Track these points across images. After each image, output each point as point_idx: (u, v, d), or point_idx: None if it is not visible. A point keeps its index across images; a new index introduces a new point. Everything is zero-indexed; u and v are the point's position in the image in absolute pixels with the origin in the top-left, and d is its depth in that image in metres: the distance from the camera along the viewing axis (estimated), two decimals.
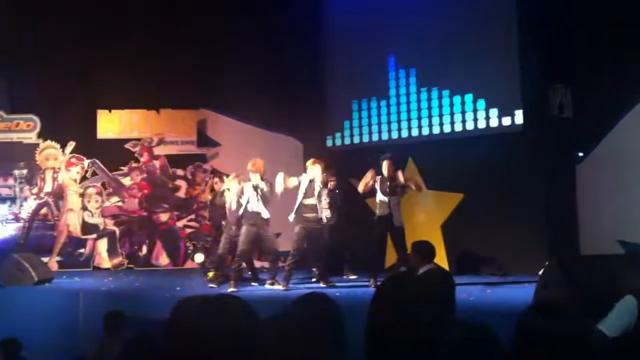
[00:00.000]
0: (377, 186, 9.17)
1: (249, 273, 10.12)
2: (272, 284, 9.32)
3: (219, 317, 1.72)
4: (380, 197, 9.17)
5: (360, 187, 9.35)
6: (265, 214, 9.27)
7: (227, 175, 10.61)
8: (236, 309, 2.12)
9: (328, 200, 9.53)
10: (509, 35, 10.13)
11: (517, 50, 10.03)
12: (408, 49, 11.45)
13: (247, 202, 9.28)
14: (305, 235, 9.23)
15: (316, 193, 9.21)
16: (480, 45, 10.46)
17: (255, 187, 9.27)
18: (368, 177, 9.23)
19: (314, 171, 9.25)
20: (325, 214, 9.30)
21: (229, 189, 10.07)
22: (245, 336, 1.80)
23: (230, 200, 9.84)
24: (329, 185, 10.00)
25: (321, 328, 2.33)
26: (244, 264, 9.88)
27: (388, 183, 9.12)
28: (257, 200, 9.25)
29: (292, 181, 9.29)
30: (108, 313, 6.79)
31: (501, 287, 8.88)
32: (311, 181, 9.23)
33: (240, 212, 9.37)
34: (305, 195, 9.20)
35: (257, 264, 10.95)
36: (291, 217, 9.23)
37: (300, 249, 9.23)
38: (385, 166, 9.22)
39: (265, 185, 9.33)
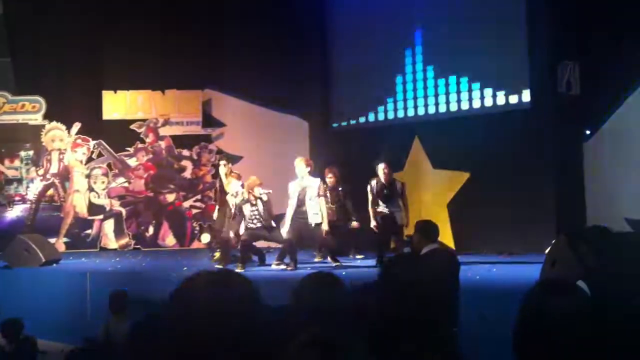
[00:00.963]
0: (374, 187, 9.35)
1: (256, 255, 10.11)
2: (278, 264, 9.33)
3: (222, 294, 1.70)
4: (380, 203, 9.38)
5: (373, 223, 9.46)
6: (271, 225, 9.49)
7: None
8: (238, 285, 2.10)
9: (325, 204, 9.38)
10: (517, 12, 10.04)
11: (525, 27, 9.95)
12: (414, 28, 11.36)
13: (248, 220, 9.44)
14: (298, 229, 9.29)
15: (307, 198, 9.19)
16: (488, 23, 10.37)
17: (253, 205, 9.38)
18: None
19: (301, 170, 9.24)
20: (312, 218, 9.20)
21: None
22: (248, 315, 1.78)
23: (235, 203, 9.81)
24: (327, 184, 9.73)
25: (329, 306, 2.33)
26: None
27: (385, 191, 9.31)
28: (257, 220, 9.41)
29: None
30: (112, 293, 6.82)
31: (508, 265, 8.87)
32: (303, 188, 9.23)
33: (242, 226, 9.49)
34: (298, 205, 9.25)
35: (264, 244, 10.95)
36: (284, 230, 9.32)
37: (296, 239, 9.28)
38: (381, 170, 9.36)
39: (262, 203, 9.39)
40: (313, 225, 9.23)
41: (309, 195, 9.23)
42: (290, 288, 2.54)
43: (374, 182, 9.43)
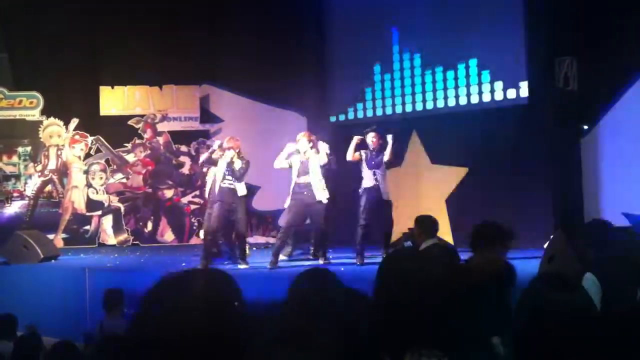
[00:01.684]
0: (363, 159, 9.20)
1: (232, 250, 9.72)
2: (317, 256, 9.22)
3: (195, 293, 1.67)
4: (365, 170, 9.19)
5: (348, 156, 9.28)
6: (240, 191, 9.11)
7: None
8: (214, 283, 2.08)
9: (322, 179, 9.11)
10: (514, 7, 10.03)
11: (523, 22, 9.95)
12: (412, 22, 11.35)
13: (221, 178, 9.05)
14: (296, 208, 9.06)
15: (310, 171, 8.98)
16: (486, 18, 10.37)
17: (229, 164, 9.03)
18: (352, 145, 9.23)
19: (303, 146, 9.06)
20: (320, 195, 8.94)
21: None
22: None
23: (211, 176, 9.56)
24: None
25: (325, 303, 2.32)
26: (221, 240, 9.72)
27: (373, 154, 9.17)
28: (230, 177, 9.03)
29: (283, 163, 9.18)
30: (106, 291, 6.84)
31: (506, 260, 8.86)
32: (303, 160, 9.03)
33: (207, 188, 9.30)
34: (299, 174, 9.03)
35: (263, 239, 10.93)
36: (286, 204, 9.12)
37: (290, 222, 9.11)
38: (370, 139, 9.22)
39: (240, 162, 9.07)
40: (319, 201, 8.94)
41: (312, 168, 8.98)
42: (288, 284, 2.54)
43: (363, 151, 9.25)
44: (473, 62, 10.55)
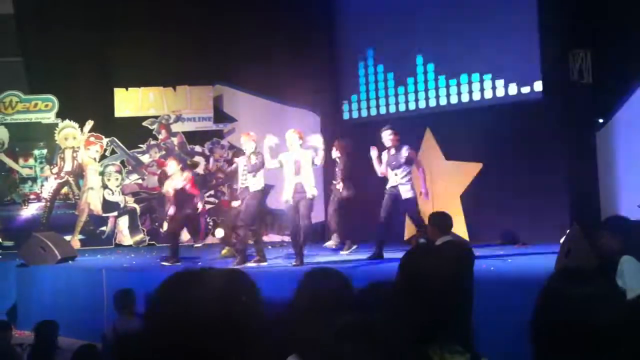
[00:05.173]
0: (385, 161, 9.05)
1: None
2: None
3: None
4: (388, 171, 9.05)
5: (378, 172, 9.18)
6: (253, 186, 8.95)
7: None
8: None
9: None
10: (528, 1, 9.99)
11: (537, 15, 9.90)
12: (425, 18, 11.32)
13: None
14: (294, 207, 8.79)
15: (302, 170, 8.68)
16: (499, 12, 10.33)
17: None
18: (375, 160, 9.12)
19: (293, 143, 8.77)
20: (312, 192, 8.68)
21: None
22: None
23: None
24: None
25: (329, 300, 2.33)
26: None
27: (392, 153, 9.01)
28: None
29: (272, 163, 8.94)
30: (116, 292, 6.89)
31: (522, 256, 8.84)
32: (297, 160, 8.73)
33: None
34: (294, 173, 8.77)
35: (278, 237, 10.91)
36: (285, 197, 8.84)
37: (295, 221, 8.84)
38: (387, 137, 9.03)
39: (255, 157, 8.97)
40: (311, 196, 8.69)
41: (304, 165, 8.70)
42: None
43: (385, 153, 9.08)
44: (487, 57, 10.49)
